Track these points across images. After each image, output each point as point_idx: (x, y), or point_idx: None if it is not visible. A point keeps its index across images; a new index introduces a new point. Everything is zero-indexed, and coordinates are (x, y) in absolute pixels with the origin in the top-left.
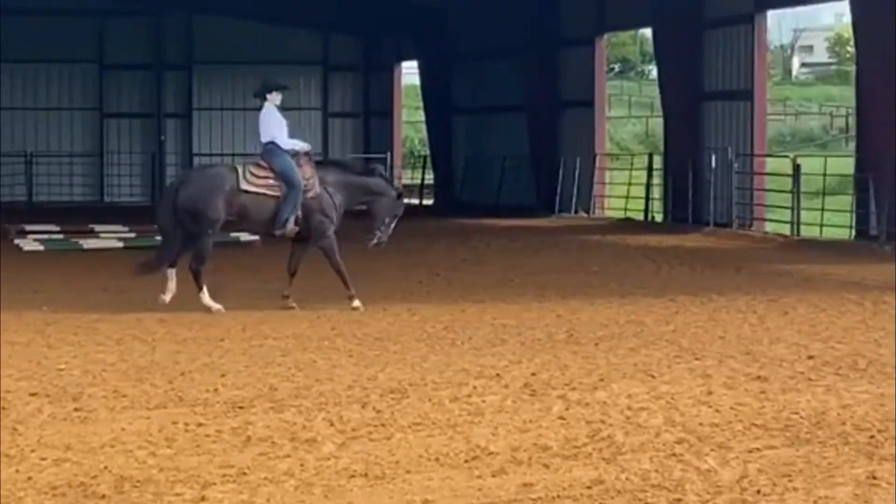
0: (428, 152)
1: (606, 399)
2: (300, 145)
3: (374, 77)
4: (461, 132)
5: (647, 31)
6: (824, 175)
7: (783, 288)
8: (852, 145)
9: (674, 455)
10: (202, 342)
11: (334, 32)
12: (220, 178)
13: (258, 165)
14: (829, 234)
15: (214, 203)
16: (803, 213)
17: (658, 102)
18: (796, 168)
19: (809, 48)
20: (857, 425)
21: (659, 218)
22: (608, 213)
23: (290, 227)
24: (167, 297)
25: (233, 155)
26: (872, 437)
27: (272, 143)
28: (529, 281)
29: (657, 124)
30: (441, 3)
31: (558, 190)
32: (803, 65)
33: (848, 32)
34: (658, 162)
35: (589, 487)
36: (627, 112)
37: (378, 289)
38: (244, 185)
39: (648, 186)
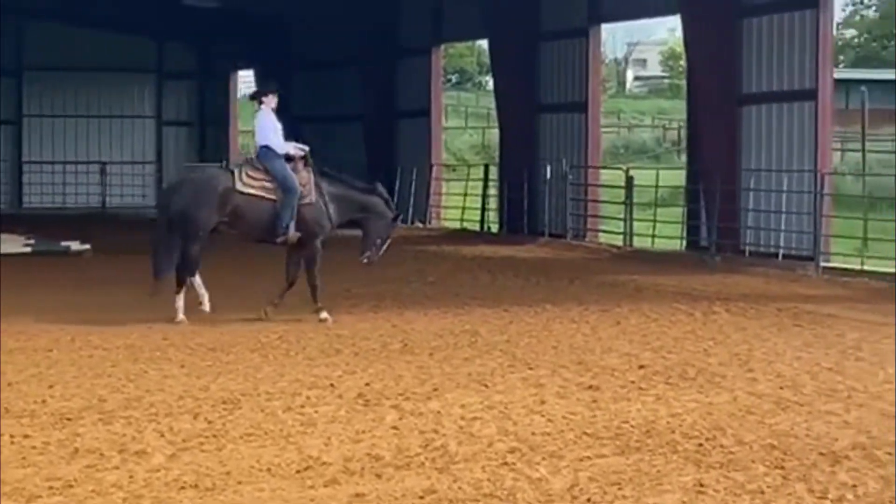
0: None
1: (440, 409)
2: (295, 149)
3: (209, 85)
4: (300, 142)
5: (485, 43)
6: (656, 187)
7: (615, 298)
8: (684, 158)
9: (506, 464)
10: (30, 352)
11: (169, 40)
12: (214, 179)
13: (254, 167)
14: (661, 245)
15: (206, 206)
16: (636, 225)
17: (494, 113)
18: (629, 180)
19: (643, 62)
20: (685, 434)
21: (494, 228)
22: (444, 224)
23: (292, 232)
24: (206, 307)
25: (64, 163)
26: (700, 445)
27: (267, 146)
28: (365, 291)
29: (494, 135)
30: (279, 11)
31: (394, 200)
32: (637, 78)
33: (680, 47)
34: (494, 173)
35: (421, 497)
36: (464, 123)
37: (213, 298)
38: (239, 186)
39: (484, 197)
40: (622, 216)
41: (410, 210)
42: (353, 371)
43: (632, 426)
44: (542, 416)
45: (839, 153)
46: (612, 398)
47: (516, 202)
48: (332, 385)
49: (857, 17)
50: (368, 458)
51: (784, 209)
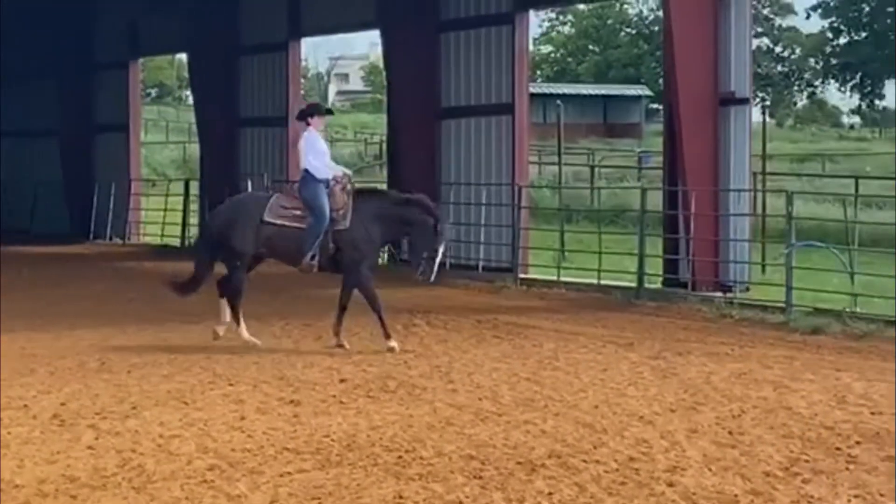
0: None
1: (138, 427)
2: (336, 172)
3: None
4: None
5: (185, 56)
6: None
7: (318, 312)
8: (386, 171)
9: (205, 482)
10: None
11: None
12: (247, 208)
13: (289, 195)
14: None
15: (241, 234)
16: None
17: (195, 128)
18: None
19: (345, 76)
20: (385, 446)
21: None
22: (145, 240)
23: (307, 262)
24: (220, 331)
25: None
26: (400, 457)
27: (307, 171)
28: (62, 310)
29: (195, 150)
30: None
31: (93, 216)
32: (339, 93)
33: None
34: (195, 188)
35: None
36: (165, 137)
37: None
38: (267, 217)
39: (185, 213)
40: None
41: (109, 227)
42: (48, 391)
43: (332, 440)
44: (243, 432)
45: (537, 166)
46: (313, 412)
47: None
48: (26, 405)
49: (554, 34)
50: (63, 479)
51: (483, 222)
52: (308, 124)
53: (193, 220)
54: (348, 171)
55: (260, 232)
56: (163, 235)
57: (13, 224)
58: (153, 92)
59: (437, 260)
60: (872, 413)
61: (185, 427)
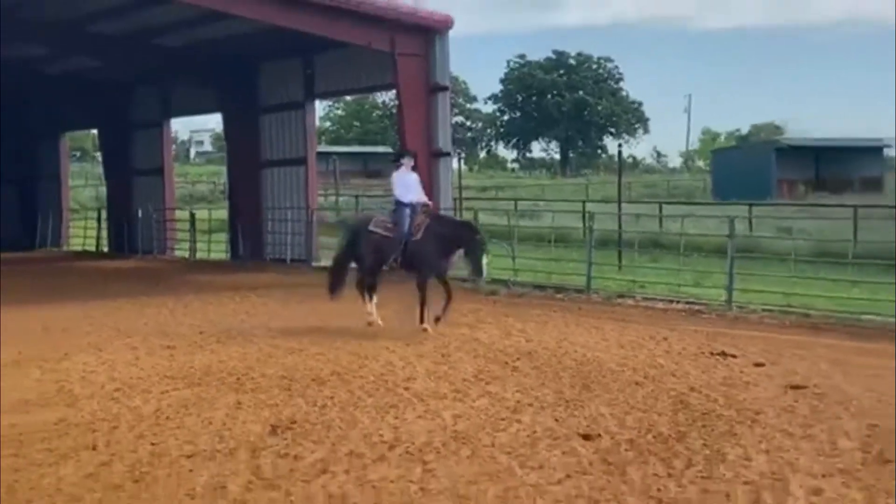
0: None
1: (68, 367)
2: (422, 200)
3: None
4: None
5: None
6: (210, 220)
7: (186, 291)
8: (227, 203)
9: (113, 399)
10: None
11: None
12: (363, 222)
13: (385, 216)
14: (215, 257)
15: (358, 239)
16: (198, 244)
17: (102, 174)
18: (192, 216)
19: (201, 142)
20: (229, 372)
21: (106, 249)
22: (73, 247)
23: (391, 261)
24: (373, 318)
25: None
26: (238, 378)
27: (397, 199)
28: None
29: (103, 191)
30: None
31: (36, 235)
32: (197, 153)
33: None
34: (104, 214)
35: (56, 424)
36: (85, 182)
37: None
38: (371, 227)
39: (98, 230)
40: (188, 239)
41: (49, 238)
42: (9, 344)
43: (195, 370)
44: (137, 367)
45: (323, 197)
46: (183, 353)
47: (119, 233)
48: (14, 360)
49: (331, 114)
50: (19, 402)
51: (290, 231)
52: (401, 164)
53: (104, 234)
54: (428, 202)
55: (369, 239)
56: (84, 244)
57: None
58: (77, 154)
59: (484, 264)
60: (527, 341)
61: (99, 365)
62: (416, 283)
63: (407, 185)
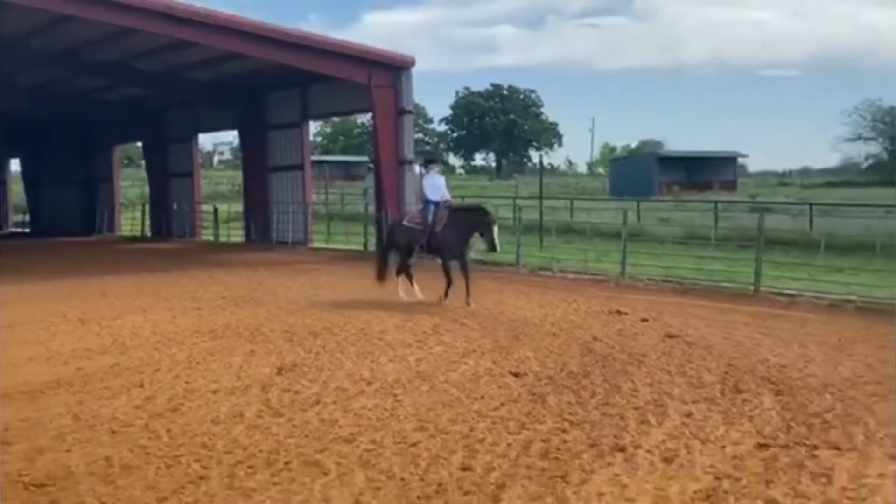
0: None
1: (121, 323)
2: (446, 197)
3: None
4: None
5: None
6: (229, 212)
7: (211, 265)
8: (243, 199)
9: (156, 349)
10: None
11: None
12: (399, 219)
13: (415, 212)
14: (234, 240)
15: (396, 232)
16: (220, 230)
17: (146, 176)
18: (215, 209)
19: (223, 152)
20: (245, 327)
21: (150, 234)
22: (123, 233)
23: (418, 249)
24: (410, 294)
25: None
26: (252, 333)
27: (426, 198)
28: (84, 266)
29: (146, 189)
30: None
31: (104, 222)
32: (219, 161)
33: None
34: (147, 208)
35: (111, 367)
36: (132, 183)
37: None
38: (404, 222)
39: (143, 219)
40: (213, 226)
41: (105, 227)
42: (75, 307)
43: (218, 326)
44: (174, 324)
45: (315, 195)
46: (209, 313)
47: (159, 221)
48: (64, 315)
49: (323, 131)
50: (83, 350)
51: (291, 220)
52: (429, 169)
53: (148, 222)
54: (450, 199)
55: (403, 231)
56: (132, 230)
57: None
58: (126, 161)
59: (496, 234)
60: (472, 303)
61: (145, 323)
62: (445, 265)
63: (434, 186)
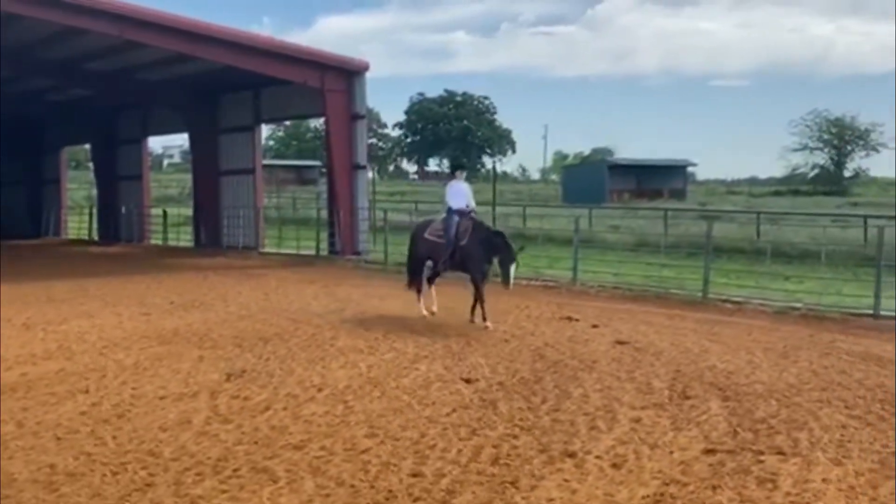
0: None
1: (67, 329)
2: (471, 207)
3: None
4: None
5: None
6: (178, 216)
7: (158, 269)
8: (192, 202)
9: (101, 354)
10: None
11: None
12: (420, 229)
13: (438, 223)
14: (183, 244)
15: (417, 244)
16: (169, 233)
17: (94, 179)
18: (165, 213)
19: (171, 155)
20: (193, 333)
21: (97, 237)
22: (70, 236)
23: (441, 263)
24: (432, 309)
25: None
26: (200, 338)
27: (450, 207)
28: (33, 271)
29: (94, 192)
30: None
31: (48, 225)
32: (169, 164)
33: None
34: (94, 211)
35: (57, 372)
36: (79, 185)
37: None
38: (425, 234)
39: (90, 222)
40: (161, 230)
41: (51, 229)
42: (18, 313)
43: (166, 331)
44: (121, 329)
45: (267, 199)
46: (157, 318)
47: (105, 224)
48: (9, 320)
49: (275, 134)
50: (27, 355)
51: (241, 225)
52: (455, 176)
53: (94, 226)
54: (476, 209)
55: (425, 244)
56: (78, 233)
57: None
58: (74, 164)
59: (512, 272)
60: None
61: (91, 328)
62: (472, 282)
63: (457, 192)
